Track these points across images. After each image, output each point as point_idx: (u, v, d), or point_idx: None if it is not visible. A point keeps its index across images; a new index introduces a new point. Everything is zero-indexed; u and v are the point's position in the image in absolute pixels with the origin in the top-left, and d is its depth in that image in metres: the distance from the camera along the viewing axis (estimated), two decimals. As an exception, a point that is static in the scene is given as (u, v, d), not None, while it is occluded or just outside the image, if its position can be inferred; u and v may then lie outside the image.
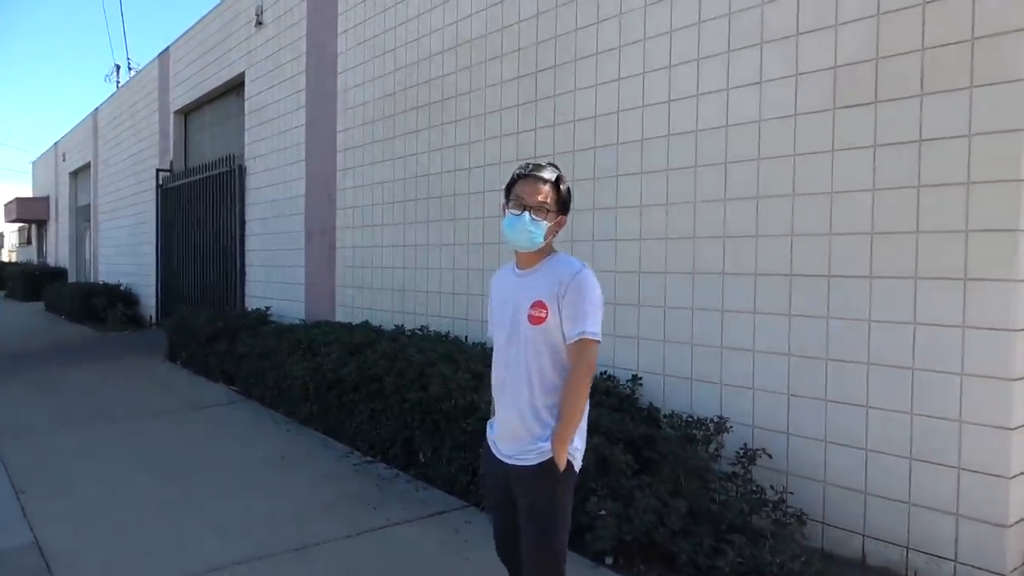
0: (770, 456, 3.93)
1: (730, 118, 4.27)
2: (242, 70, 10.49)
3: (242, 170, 10.36)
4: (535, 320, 2.34)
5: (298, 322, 8.29)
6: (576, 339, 2.31)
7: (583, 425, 2.44)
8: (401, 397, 4.94)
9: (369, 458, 5.27)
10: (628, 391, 4.71)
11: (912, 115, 3.51)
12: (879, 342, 3.63)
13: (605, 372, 4.91)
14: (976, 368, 3.31)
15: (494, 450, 2.53)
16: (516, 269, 2.51)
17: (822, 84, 3.85)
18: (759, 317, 4.12)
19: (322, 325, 7.16)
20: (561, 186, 2.42)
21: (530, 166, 2.45)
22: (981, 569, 3.31)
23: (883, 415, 3.62)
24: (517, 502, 2.44)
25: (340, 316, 8.00)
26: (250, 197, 10.29)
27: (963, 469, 3.36)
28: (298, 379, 6.21)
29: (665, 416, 4.41)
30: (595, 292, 2.32)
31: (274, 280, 9.67)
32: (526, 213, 2.36)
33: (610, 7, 4.97)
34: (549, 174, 2.42)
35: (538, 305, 2.35)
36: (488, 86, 6.05)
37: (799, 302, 3.93)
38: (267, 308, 9.12)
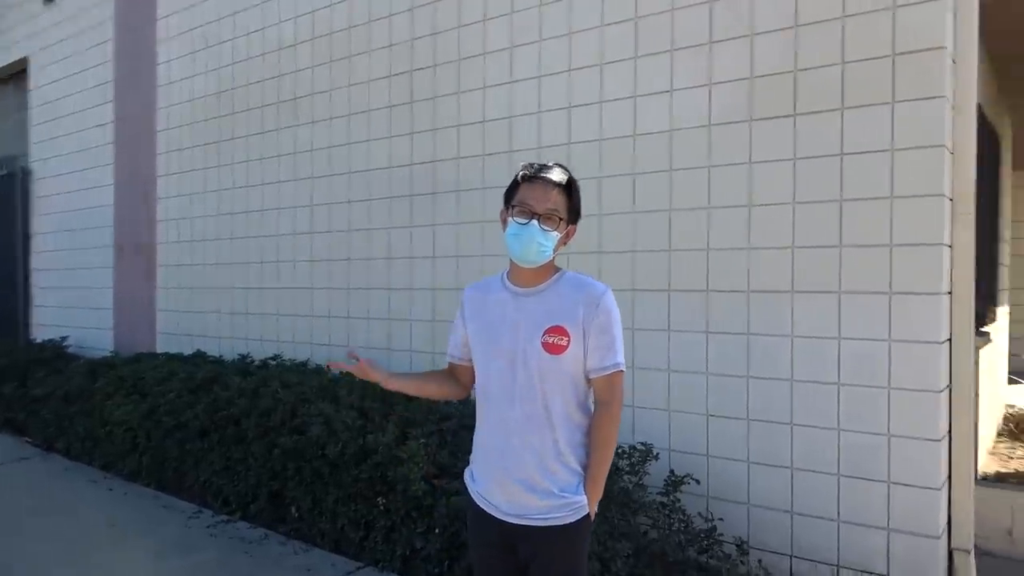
0: (698, 482, 3.73)
1: (638, 127, 4.08)
2: (24, 55, 8.83)
3: (26, 174, 8.70)
4: (553, 349, 1.98)
5: (109, 354, 7.01)
6: (609, 372, 2.02)
7: None
8: (269, 442, 4.18)
9: (225, 516, 4.42)
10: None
11: (834, 128, 3.49)
12: (803, 358, 3.56)
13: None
14: (903, 382, 3.32)
15: (488, 508, 2.05)
16: (511, 285, 2.10)
17: (737, 95, 3.75)
18: (674, 335, 3.93)
19: (147, 358, 6.06)
20: (573, 191, 2.05)
21: (535, 167, 2.05)
22: (914, 582, 3.31)
23: (809, 432, 3.55)
24: (530, 568, 2.00)
25: (163, 346, 6.86)
26: (38, 206, 8.65)
27: (893, 483, 3.35)
28: (122, 425, 5.14)
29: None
30: (617, 315, 2.05)
31: (72, 305, 8.16)
32: (534, 222, 1.98)
33: (499, 4, 4.61)
34: (559, 176, 2.04)
35: (556, 331, 1.99)
36: (352, 84, 5.44)
37: (717, 319, 3.79)
38: (63, 339, 7.67)
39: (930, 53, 3.27)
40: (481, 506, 2.07)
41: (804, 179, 3.57)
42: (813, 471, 3.54)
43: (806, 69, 3.57)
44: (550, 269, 2.07)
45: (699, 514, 3.67)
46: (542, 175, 2.00)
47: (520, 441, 2.00)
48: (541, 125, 4.46)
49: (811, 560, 3.54)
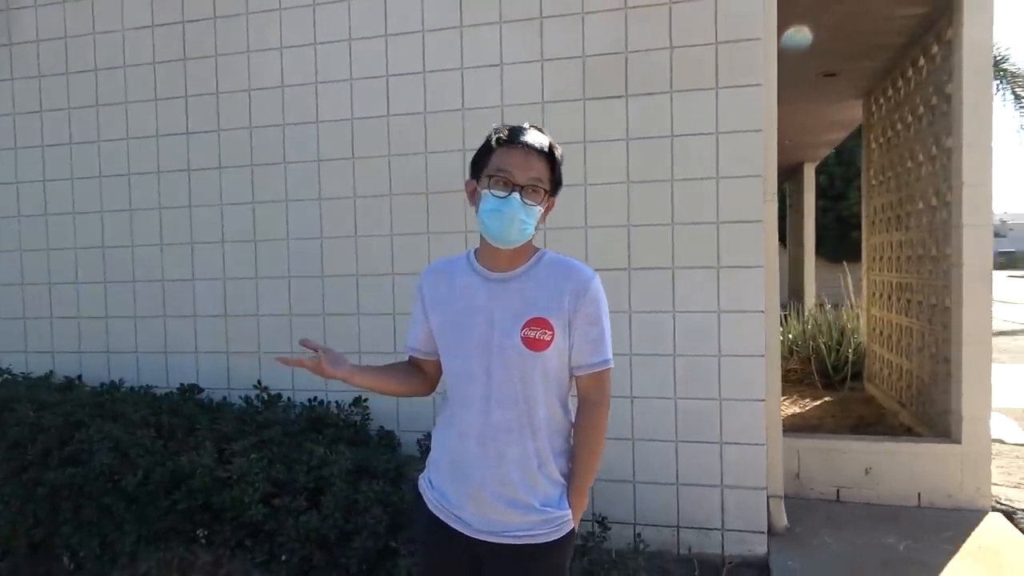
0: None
1: (467, 101, 3.88)
2: None
3: None
4: (535, 344, 1.69)
5: None
6: (597, 369, 1.77)
7: None
8: (31, 479, 3.29)
9: (-40, 582, 3.40)
10: (357, 418, 3.97)
11: (664, 111, 3.63)
12: (641, 332, 3.69)
13: (316, 398, 4.06)
14: (733, 349, 3.58)
15: (455, 523, 1.76)
16: (481, 269, 1.79)
17: (570, 73, 3.73)
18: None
19: None
20: (556, 158, 1.75)
21: (511, 129, 1.72)
22: (745, 531, 3.62)
23: (648, 403, 3.69)
24: None
25: None
26: None
27: (725, 443, 3.62)
28: None
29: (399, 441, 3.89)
30: (606, 305, 1.80)
31: None
32: (515, 194, 1.67)
33: (298, -46, 4.08)
34: (541, 141, 1.72)
35: (538, 324, 1.70)
36: (101, 32, 4.46)
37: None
38: None
39: (748, 43, 3.53)
40: (445, 520, 1.77)
41: (637, 159, 3.67)
42: (653, 440, 3.70)
43: (637, 51, 3.66)
44: (528, 249, 1.78)
45: (549, 496, 3.64)
46: (522, 139, 1.70)
47: (497, 450, 1.72)
48: (354, 94, 4.04)
49: (654, 525, 3.70)
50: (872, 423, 5.58)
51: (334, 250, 4.11)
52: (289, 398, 4.13)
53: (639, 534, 3.48)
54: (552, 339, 1.69)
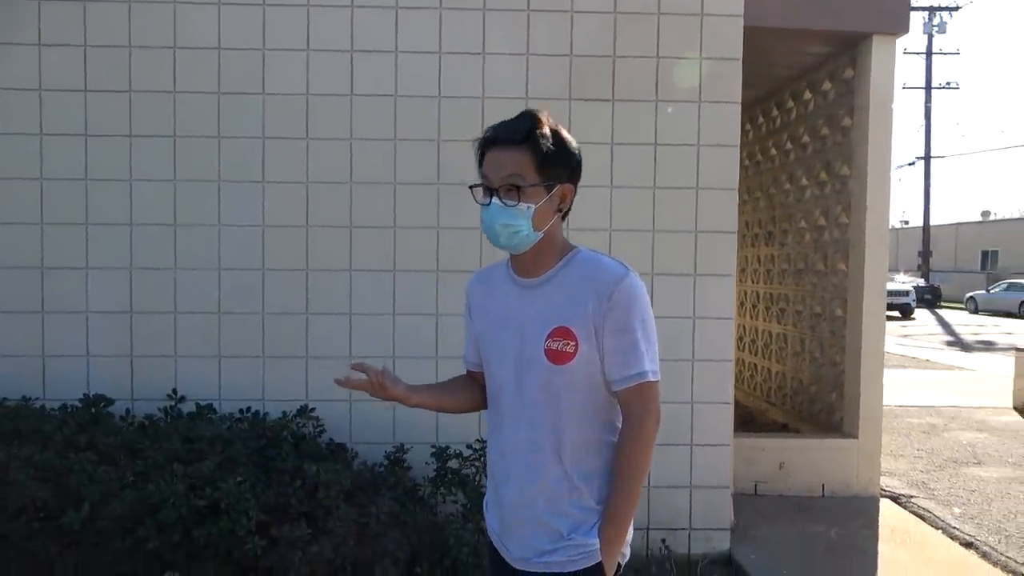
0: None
1: (444, 89, 3.63)
2: None
3: None
4: (558, 357, 1.53)
5: None
6: (632, 384, 1.53)
7: None
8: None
9: None
10: (307, 430, 3.54)
11: (649, 119, 3.67)
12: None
13: (249, 408, 3.56)
14: (705, 354, 3.71)
15: (500, 549, 1.66)
16: (514, 275, 1.64)
17: (557, 71, 3.64)
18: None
19: None
20: (542, 140, 1.52)
21: (491, 128, 1.57)
22: (711, 529, 3.76)
23: (622, 408, 3.70)
24: None
25: None
26: None
27: (695, 444, 3.74)
28: None
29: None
30: (648, 309, 1.57)
31: None
32: (495, 199, 1.53)
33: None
34: (516, 130, 1.53)
35: (560, 334, 1.53)
36: (-39, -46, 3.54)
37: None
38: None
39: (728, 63, 3.69)
40: (496, 545, 1.68)
41: (621, 165, 3.68)
42: (625, 444, 3.71)
43: (624, 57, 3.67)
44: (555, 250, 1.59)
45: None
46: (494, 135, 1.54)
47: (526, 471, 1.59)
48: (311, 67, 3.61)
49: (622, 529, 3.71)
50: (746, 421, 6.10)
51: (279, 241, 3.63)
52: (214, 407, 3.57)
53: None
54: (576, 351, 1.51)
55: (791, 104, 5.90)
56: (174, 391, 3.58)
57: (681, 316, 3.70)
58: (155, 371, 3.60)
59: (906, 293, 23.46)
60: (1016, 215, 40.03)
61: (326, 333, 3.64)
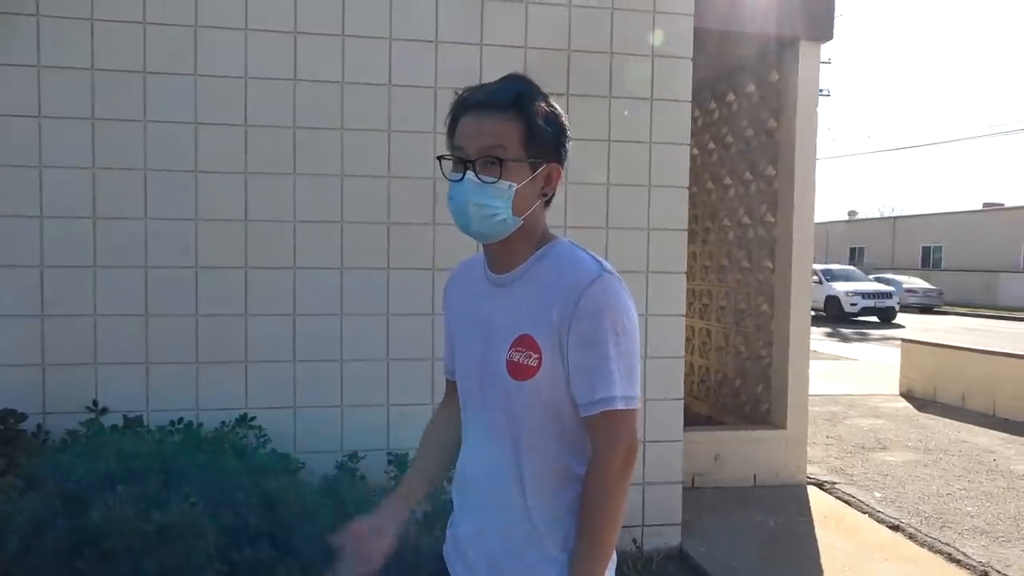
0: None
1: (394, 77, 3.46)
2: None
3: None
4: (518, 371, 1.26)
5: None
6: (596, 412, 1.24)
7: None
8: None
9: None
10: (250, 440, 3.29)
11: (603, 114, 3.64)
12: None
13: (182, 419, 3.26)
14: (658, 351, 3.73)
15: None
16: (487, 269, 1.38)
17: (512, 62, 3.55)
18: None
19: None
20: (535, 110, 1.26)
21: (470, 89, 1.30)
22: (663, 525, 3.79)
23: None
24: None
25: None
26: None
27: (648, 441, 3.75)
28: None
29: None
30: (627, 319, 1.26)
31: None
32: (469, 173, 1.26)
33: None
34: (499, 94, 1.27)
35: (523, 343, 1.26)
36: None
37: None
38: None
39: (680, 61, 3.72)
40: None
41: (576, 161, 3.61)
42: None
43: (579, 51, 3.62)
44: (531, 241, 1.32)
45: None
46: (476, 98, 1.27)
47: (484, 501, 1.35)
48: (249, 47, 3.34)
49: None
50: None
51: (214, 235, 3.34)
52: (143, 420, 3.25)
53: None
54: (539, 365, 1.24)
55: (714, 106, 6.07)
56: (95, 402, 3.23)
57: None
58: (72, 381, 3.23)
59: (889, 295, 19.35)
60: (877, 215, 43.60)
61: (267, 335, 3.39)
